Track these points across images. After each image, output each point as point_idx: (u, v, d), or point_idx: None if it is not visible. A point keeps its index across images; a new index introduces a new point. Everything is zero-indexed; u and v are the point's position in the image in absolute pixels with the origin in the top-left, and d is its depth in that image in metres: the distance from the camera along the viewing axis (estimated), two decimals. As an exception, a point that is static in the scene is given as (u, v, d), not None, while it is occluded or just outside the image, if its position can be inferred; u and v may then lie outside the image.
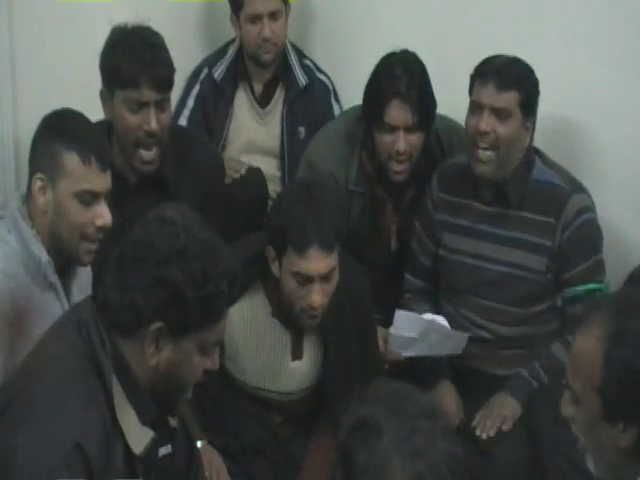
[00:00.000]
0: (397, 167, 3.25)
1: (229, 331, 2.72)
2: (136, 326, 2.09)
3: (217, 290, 2.08)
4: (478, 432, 3.05)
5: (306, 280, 2.72)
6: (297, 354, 2.91)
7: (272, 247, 2.76)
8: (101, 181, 2.54)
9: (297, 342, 2.91)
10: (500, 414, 3.07)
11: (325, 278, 2.74)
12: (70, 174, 2.51)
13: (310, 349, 2.92)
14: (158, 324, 2.07)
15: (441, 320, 3.16)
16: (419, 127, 3.22)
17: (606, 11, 3.38)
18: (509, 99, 3.02)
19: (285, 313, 2.84)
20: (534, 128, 3.10)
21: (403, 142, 3.20)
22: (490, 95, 3.02)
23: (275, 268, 2.78)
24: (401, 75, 3.19)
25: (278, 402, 2.95)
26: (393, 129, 3.20)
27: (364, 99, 3.30)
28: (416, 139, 3.23)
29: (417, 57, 3.27)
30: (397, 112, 3.18)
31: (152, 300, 2.06)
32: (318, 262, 2.71)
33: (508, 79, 3.01)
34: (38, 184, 2.54)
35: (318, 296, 2.73)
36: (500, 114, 3.02)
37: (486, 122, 3.02)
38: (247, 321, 2.87)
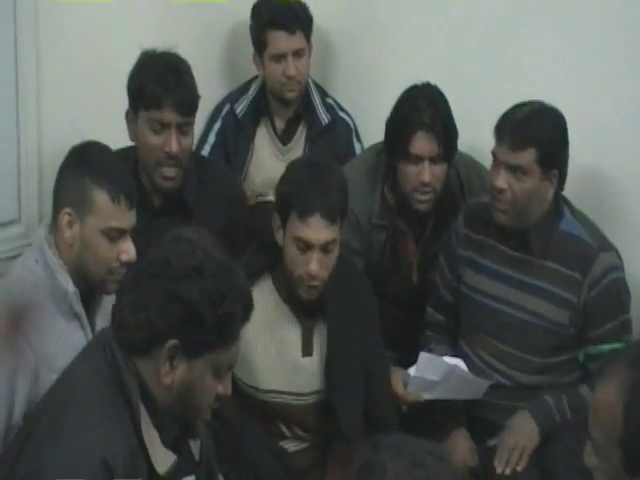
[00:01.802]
0: (422, 197, 3.27)
1: None
2: (151, 344, 2.11)
3: (233, 310, 2.11)
4: (499, 470, 3.03)
5: (306, 247, 2.82)
6: (307, 350, 2.96)
7: (277, 214, 2.87)
8: (128, 219, 2.59)
9: (307, 337, 2.96)
10: (519, 445, 3.04)
11: (325, 249, 2.83)
12: (99, 211, 2.56)
13: (320, 347, 2.96)
14: (173, 342, 2.08)
15: (462, 366, 3.16)
16: (443, 157, 3.25)
17: (628, 58, 3.38)
18: (525, 158, 2.98)
19: (293, 298, 2.90)
20: (563, 178, 3.06)
21: (428, 173, 3.23)
22: (505, 154, 3.00)
23: (279, 236, 2.87)
24: (425, 107, 3.22)
25: (289, 410, 2.97)
26: (418, 160, 3.23)
27: (387, 131, 3.33)
28: (440, 170, 3.26)
29: (438, 89, 3.30)
30: (422, 143, 3.22)
31: (168, 317, 2.08)
32: (319, 230, 2.81)
33: (523, 137, 2.96)
34: (66, 218, 2.58)
35: (316, 265, 2.82)
36: (516, 171, 2.99)
37: (502, 180, 3.01)
38: (257, 312, 2.87)
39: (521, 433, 3.07)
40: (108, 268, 2.58)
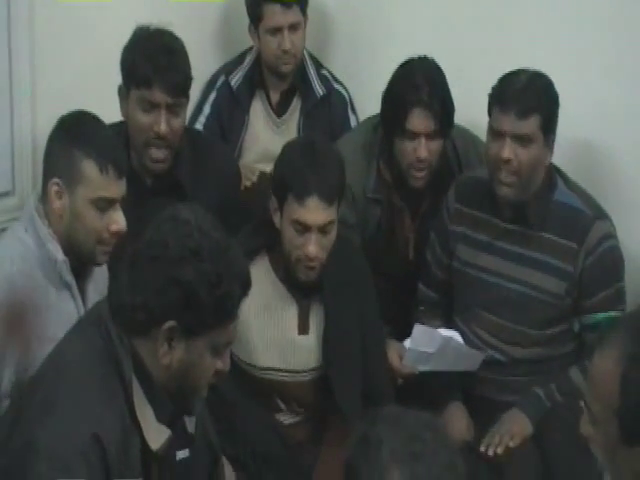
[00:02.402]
0: (418, 173, 3.26)
1: None
2: (149, 325, 2.10)
3: (230, 291, 2.10)
4: (482, 448, 3.05)
5: (304, 229, 2.81)
6: (304, 327, 2.96)
7: (275, 196, 2.86)
8: (117, 188, 2.58)
9: (303, 315, 2.96)
10: (509, 431, 3.06)
11: (323, 230, 2.82)
12: (88, 181, 2.55)
13: (316, 325, 2.97)
14: (171, 323, 2.08)
15: (458, 338, 3.16)
16: (440, 133, 3.24)
17: (630, 31, 3.38)
18: (531, 125, 2.99)
19: (290, 277, 2.90)
20: (554, 142, 3.08)
21: (425, 149, 3.22)
22: (511, 123, 2.98)
23: (277, 219, 2.86)
24: (422, 83, 3.20)
25: (285, 387, 2.97)
26: (415, 136, 3.22)
27: (383, 107, 3.31)
28: (436, 145, 3.25)
29: (436, 63, 3.28)
30: (419, 120, 3.20)
31: (165, 300, 2.08)
32: (317, 212, 2.80)
33: (528, 105, 2.97)
34: (55, 188, 2.57)
35: (314, 247, 2.81)
36: (522, 140, 2.99)
37: (508, 150, 2.99)
38: (253, 290, 2.87)
39: (512, 422, 3.08)
40: (98, 238, 2.57)
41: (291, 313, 2.96)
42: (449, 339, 3.14)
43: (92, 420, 2.06)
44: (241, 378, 2.95)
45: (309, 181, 2.79)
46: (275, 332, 2.95)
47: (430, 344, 3.13)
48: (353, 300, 2.99)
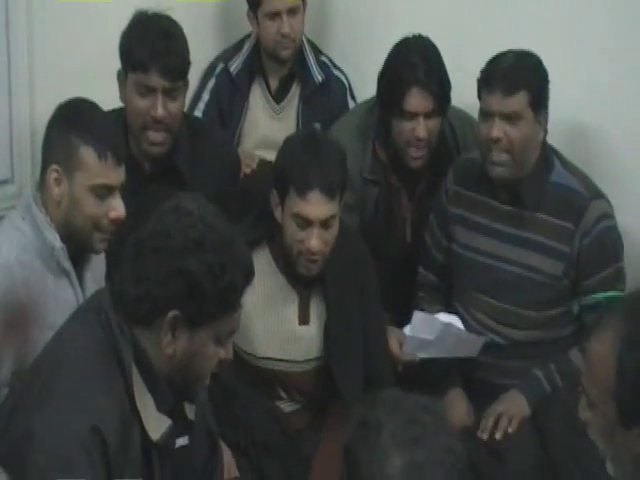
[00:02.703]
0: (416, 153, 3.26)
1: None
2: (153, 316, 2.10)
3: (233, 281, 2.10)
4: (480, 433, 3.05)
5: (305, 223, 2.80)
6: (304, 318, 2.95)
7: (276, 191, 2.84)
8: (116, 175, 2.57)
9: (304, 306, 2.95)
10: (506, 412, 3.06)
11: (324, 224, 2.81)
12: (86, 168, 2.54)
13: (317, 315, 2.96)
14: (174, 313, 2.08)
15: (457, 323, 3.15)
16: (438, 112, 3.24)
17: (625, 11, 3.37)
18: (518, 102, 2.99)
19: (290, 268, 2.88)
20: (547, 120, 3.08)
21: (423, 128, 3.22)
22: (498, 101, 3.00)
23: (278, 213, 2.85)
24: (419, 62, 3.20)
25: (286, 377, 2.97)
26: (413, 116, 3.21)
27: (379, 87, 3.30)
28: (435, 124, 3.25)
29: (431, 41, 3.27)
30: (417, 100, 3.20)
31: (169, 290, 2.07)
32: (318, 207, 2.78)
33: (514, 82, 2.98)
34: (53, 175, 2.56)
35: (316, 241, 2.80)
36: (511, 118, 3.00)
37: (497, 129, 3.00)
38: (254, 281, 2.87)
39: (509, 404, 3.08)
40: (96, 225, 2.56)
41: (291, 304, 2.96)
42: (449, 325, 3.13)
43: (92, 411, 2.06)
44: (242, 367, 2.95)
45: (310, 175, 2.77)
46: (275, 322, 2.95)
47: (430, 331, 3.12)
48: (354, 289, 2.98)
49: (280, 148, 2.94)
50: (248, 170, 3.68)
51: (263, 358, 2.95)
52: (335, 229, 2.85)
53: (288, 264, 2.90)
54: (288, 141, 2.95)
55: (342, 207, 2.92)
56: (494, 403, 3.09)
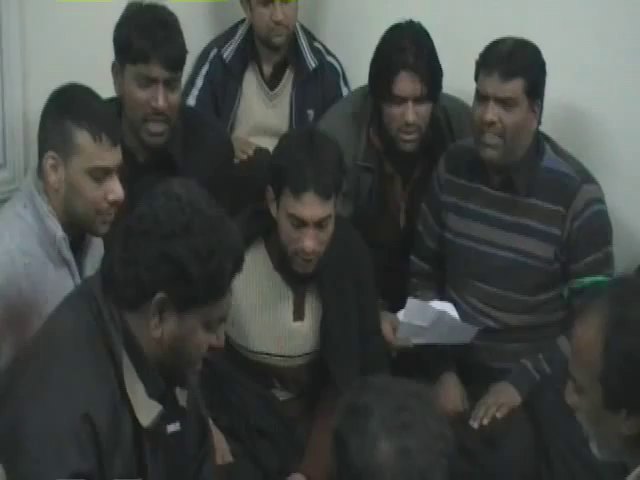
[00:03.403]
0: (407, 137, 3.26)
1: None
2: (141, 299, 2.10)
3: (221, 266, 2.09)
4: (471, 421, 3.07)
5: (300, 223, 2.78)
6: (299, 314, 2.95)
7: (271, 187, 2.82)
8: (112, 157, 2.56)
9: (299, 302, 2.95)
10: (497, 402, 3.08)
11: (320, 225, 2.79)
12: (82, 152, 2.54)
13: (312, 311, 2.95)
14: (161, 295, 2.08)
15: (451, 311, 3.15)
16: (428, 97, 3.23)
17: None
18: (514, 88, 3.01)
19: (286, 266, 2.88)
20: (541, 110, 3.09)
21: (412, 113, 3.21)
22: (495, 85, 3.01)
23: (273, 209, 2.83)
24: (408, 46, 3.20)
25: (279, 370, 2.97)
26: (402, 101, 3.21)
27: (371, 72, 3.30)
28: (425, 109, 3.24)
29: (422, 27, 3.27)
30: (406, 84, 3.20)
31: (156, 274, 2.08)
32: (313, 208, 2.76)
33: (512, 68, 3.00)
34: (50, 162, 2.56)
35: (310, 241, 2.78)
36: (506, 103, 3.02)
37: (492, 112, 3.02)
38: (249, 276, 2.88)
39: (499, 395, 3.10)
40: (96, 209, 2.56)
41: (286, 300, 2.95)
42: (442, 313, 3.13)
43: (83, 399, 2.06)
44: (237, 358, 2.95)
45: (306, 176, 2.75)
46: (270, 319, 2.94)
47: (423, 318, 3.12)
48: (350, 282, 2.97)
49: (277, 144, 2.94)
50: (244, 157, 3.68)
51: (258, 353, 2.95)
52: (330, 229, 2.83)
53: (283, 261, 2.89)
54: (284, 139, 2.95)
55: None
56: (485, 395, 3.11)
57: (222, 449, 2.79)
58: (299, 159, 2.78)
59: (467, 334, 3.16)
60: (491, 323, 3.18)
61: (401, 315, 3.17)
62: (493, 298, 3.18)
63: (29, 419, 2.05)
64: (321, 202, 2.77)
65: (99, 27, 3.11)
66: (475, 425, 3.07)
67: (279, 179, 2.80)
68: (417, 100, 3.22)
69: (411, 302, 3.16)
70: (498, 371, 3.16)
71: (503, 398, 3.09)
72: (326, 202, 2.78)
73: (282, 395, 3.03)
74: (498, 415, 3.06)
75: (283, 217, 2.81)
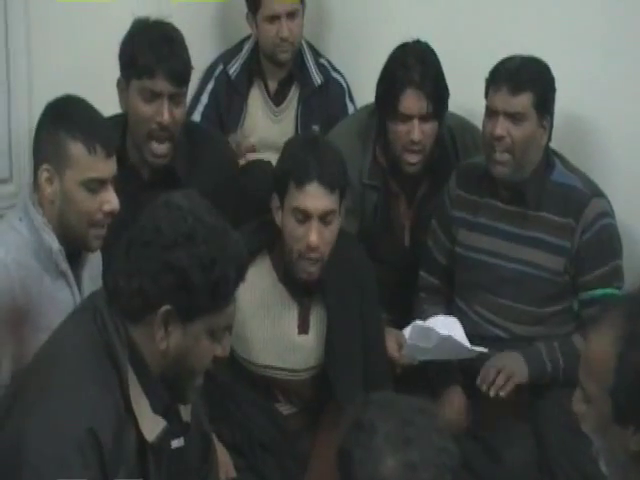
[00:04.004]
0: (411, 158, 3.26)
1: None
2: (145, 311, 2.10)
3: (224, 274, 2.09)
4: (481, 386, 3.04)
5: (304, 217, 2.78)
6: (303, 328, 2.95)
7: (276, 193, 2.84)
8: (107, 168, 2.55)
9: (303, 315, 2.94)
10: (506, 370, 3.04)
11: (324, 219, 2.79)
12: (76, 163, 2.53)
13: (316, 325, 2.95)
14: (166, 307, 2.07)
15: (456, 333, 3.10)
16: (433, 116, 3.23)
17: (622, 10, 3.38)
18: (523, 102, 3.03)
19: (291, 278, 2.87)
20: (552, 126, 3.11)
21: (418, 131, 3.22)
22: (503, 100, 3.04)
23: (278, 217, 2.84)
24: (415, 64, 3.20)
25: (283, 383, 2.97)
26: (407, 118, 3.22)
27: (377, 90, 3.31)
28: (430, 128, 3.24)
29: (429, 46, 3.28)
30: (412, 101, 3.20)
31: (160, 284, 2.07)
32: (317, 198, 2.77)
33: (521, 82, 3.02)
34: (45, 175, 2.55)
35: (315, 235, 2.78)
36: (515, 118, 3.04)
37: (501, 127, 3.04)
38: (254, 289, 2.89)
39: (509, 361, 3.08)
40: (90, 221, 2.55)
41: (291, 313, 2.94)
42: (447, 338, 3.09)
43: (87, 413, 2.05)
44: (240, 372, 2.95)
45: (310, 167, 2.78)
46: (274, 332, 2.93)
47: (428, 342, 3.10)
48: (354, 296, 2.97)
49: (281, 152, 2.95)
50: (243, 161, 3.66)
51: (262, 366, 2.95)
52: (335, 228, 2.83)
53: (288, 273, 2.89)
54: (288, 143, 2.97)
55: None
56: (494, 357, 3.08)
57: (225, 464, 2.78)
58: (302, 155, 2.81)
59: (472, 354, 3.15)
60: (500, 333, 3.19)
61: (407, 332, 3.15)
62: (503, 309, 3.18)
63: (33, 432, 2.04)
64: (325, 193, 2.78)
65: (106, 42, 3.12)
66: (484, 388, 3.04)
67: (284, 177, 2.82)
68: (423, 118, 3.22)
69: (415, 326, 3.14)
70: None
71: (513, 368, 3.05)
72: (330, 194, 2.79)
73: (285, 409, 3.02)
74: (502, 394, 3.02)
75: (288, 216, 2.81)
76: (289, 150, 2.91)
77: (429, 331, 3.12)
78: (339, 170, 2.84)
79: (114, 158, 2.57)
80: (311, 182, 2.78)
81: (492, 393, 3.04)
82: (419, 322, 3.16)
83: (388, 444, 1.70)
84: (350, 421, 1.77)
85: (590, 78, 3.43)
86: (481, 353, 3.11)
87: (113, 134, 2.66)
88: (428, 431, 1.72)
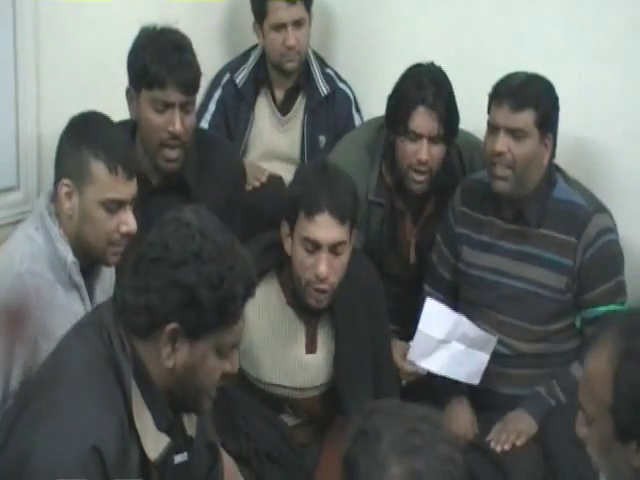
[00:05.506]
0: (417, 177, 3.26)
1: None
2: (152, 327, 2.09)
3: (232, 292, 2.08)
4: (493, 444, 3.06)
5: (314, 247, 2.76)
6: (311, 347, 2.94)
7: (286, 221, 2.81)
8: (127, 189, 2.56)
9: (311, 334, 2.94)
10: (516, 429, 3.08)
11: (334, 250, 2.77)
12: (97, 183, 2.53)
13: (324, 343, 2.94)
14: (173, 325, 2.07)
15: (468, 327, 3.14)
16: (442, 139, 3.23)
17: (630, 29, 3.39)
18: (524, 119, 3.02)
19: (298, 300, 2.86)
20: (555, 144, 3.10)
21: (426, 152, 3.22)
22: (505, 116, 3.03)
23: (288, 245, 2.81)
24: (429, 85, 3.21)
25: (292, 400, 2.97)
26: (417, 137, 3.22)
27: (388, 106, 3.31)
28: (438, 151, 3.24)
29: (443, 71, 3.29)
30: (423, 120, 3.20)
31: (168, 302, 2.07)
32: (327, 229, 2.75)
33: (523, 99, 3.01)
34: (64, 190, 2.55)
35: (324, 267, 2.75)
36: (516, 134, 3.03)
37: (501, 143, 3.03)
38: (262, 309, 2.89)
39: (518, 422, 3.10)
40: (108, 240, 2.55)
41: (299, 333, 2.93)
42: (460, 318, 3.12)
43: (92, 431, 2.04)
44: (248, 388, 2.95)
45: (320, 197, 2.74)
46: (282, 352, 2.92)
47: (440, 325, 3.10)
48: (363, 314, 2.96)
49: (292, 179, 2.94)
50: (257, 184, 3.67)
51: (270, 384, 2.95)
52: (345, 258, 2.80)
53: (296, 294, 2.87)
54: (299, 170, 2.97)
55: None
56: (501, 421, 3.11)
57: (232, 475, 2.79)
58: (313, 184, 2.78)
59: (479, 362, 3.15)
60: (503, 350, 3.18)
61: (420, 322, 3.12)
62: (505, 326, 3.18)
63: (37, 449, 2.03)
64: (336, 224, 2.75)
65: (114, 52, 3.12)
66: (498, 448, 3.06)
67: (294, 206, 2.79)
68: (432, 139, 3.22)
69: (430, 303, 3.15)
70: (509, 397, 3.16)
71: (522, 426, 3.08)
72: (341, 226, 2.76)
73: (292, 420, 3.02)
74: (518, 443, 3.06)
75: (297, 245, 2.79)
76: (300, 178, 2.89)
77: (443, 310, 3.13)
78: (350, 200, 2.80)
79: (134, 181, 2.57)
80: (322, 213, 2.75)
81: (507, 447, 3.06)
82: (433, 301, 3.17)
83: (393, 452, 1.69)
84: (355, 428, 1.76)
85: (600, 97, 3.44)
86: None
87: (135, 156, 2.66)
88: (434, 439, 1.71)
